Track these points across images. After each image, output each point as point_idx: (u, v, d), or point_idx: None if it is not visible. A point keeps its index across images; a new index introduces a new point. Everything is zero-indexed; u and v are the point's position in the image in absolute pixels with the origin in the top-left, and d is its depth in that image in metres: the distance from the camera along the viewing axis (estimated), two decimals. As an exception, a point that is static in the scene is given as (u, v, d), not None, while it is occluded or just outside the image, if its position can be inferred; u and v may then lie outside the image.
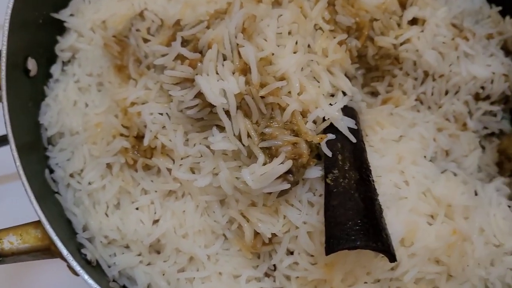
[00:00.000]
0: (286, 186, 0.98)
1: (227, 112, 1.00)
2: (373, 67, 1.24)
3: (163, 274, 1.11)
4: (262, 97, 1.00)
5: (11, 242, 1.04)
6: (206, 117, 1.06)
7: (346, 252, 0.96)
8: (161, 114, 1.10)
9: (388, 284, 1.04)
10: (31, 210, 1.07)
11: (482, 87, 1.26)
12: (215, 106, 1.00)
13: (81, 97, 1.26)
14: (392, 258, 0.93)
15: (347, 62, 1.12)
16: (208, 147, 1.06)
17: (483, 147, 1.30)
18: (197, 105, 1.04)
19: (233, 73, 1.00)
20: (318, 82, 1.07)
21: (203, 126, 1.09)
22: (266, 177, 0.97)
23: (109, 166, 1.16)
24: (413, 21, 1.24)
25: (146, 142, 1.10)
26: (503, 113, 1.33)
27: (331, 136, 1.02)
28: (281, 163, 0.97)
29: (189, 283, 1.09)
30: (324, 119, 1.03)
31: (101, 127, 1.18)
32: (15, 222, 1.11)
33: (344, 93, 1.09)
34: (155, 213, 1.13)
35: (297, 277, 1.05)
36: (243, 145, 1.01)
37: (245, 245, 1.05)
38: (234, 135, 1.01)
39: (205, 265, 1.07)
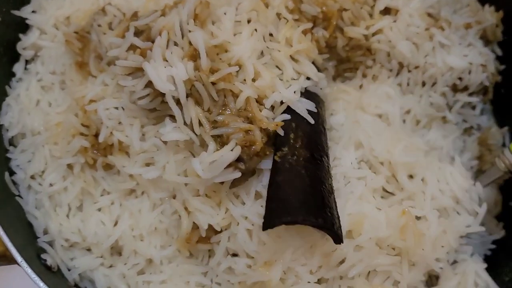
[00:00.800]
0: (237, 174, 0.94)
1: (178, 101, 0.97)
2: (345, 59, 1.20)
3: (124, 277, 1.08)
4: (213, 83, 0.96)
5: (-37, 249, 1.00)
6: (158, 107, 1.02)
7: (285, 247, 0.94)
8: (117, 108, 1.06)
9: (339, 283, 1.00)
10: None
11: (460, 78, 1.22)
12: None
13: (44, 96, 1.23)
14: (336, 238, 0.88)
15: (313, 52, 1.09)
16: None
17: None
18: (148, 94, 1.01)
19: (182, 59, 0.96)
20: (280, 69, 1.04)
21: (158, 117, 1.05)
22: (216, 166, 0.94)
23: (70, 166, 1.13)
24: (386, 11, 1.21)
25: (101, 138, 1.06)
26: (483, 104, 1.30)
27: (285, 116, 0.99)
28: (231, 150, 0.93)
29: (147, 285, 1.06)
30: (282, 103, 1.00)
31: (62, 126, 1.15)
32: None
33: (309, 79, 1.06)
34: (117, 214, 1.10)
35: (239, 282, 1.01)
36: (195, 134, 0.97)
37: (180, 239, 1.01)
38: (186, 124, 0.98)
39: (162, 268, 1.05)
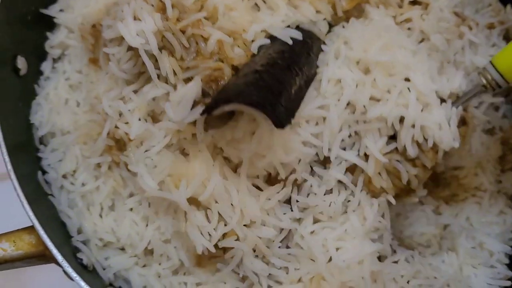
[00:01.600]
0: (200, 108, 0.94)
1: (153, 56, 1.00)
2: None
3: (159, 276, 1.10)
4: (183, 31, 0.99)
5: (4, 249, 1.04)
6: (143, 68, 1.06)
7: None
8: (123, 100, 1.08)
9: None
10: (23, 214, 1.05)
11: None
12: None
13: (72, 95, 1.24)
14: (276, 121, 0.85)
15: (320, 4, 1.10)
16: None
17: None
18: (131, 58, 1.04)
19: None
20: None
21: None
22: (183, 105, 0.96)
23: (99, 166, 1.15)
24: (415, 2, 1.21)
25: (104, 133, 1.09)
26: (506, 105, 1.31)
27: (264, 40, 1.01)
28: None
29: (184, 285, 1.08)
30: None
31: (89, 126, 1.17)
32: (6, 225, 1.09)
33: None
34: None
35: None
36: (172, 85, 1.01)
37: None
38: (160, 78, 1.02)
39: (194, 269, 1.07)
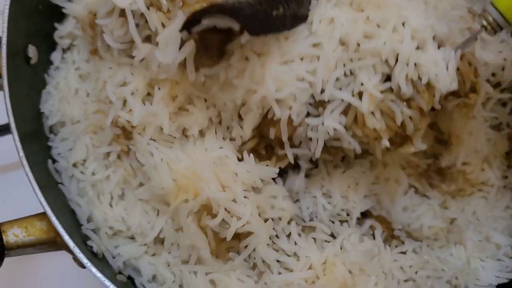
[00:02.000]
0: (191, 43, 0.95)
1: (143, 16, 1.02)
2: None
3: (168, 265, 1.11)
4: None
5: (16, 235, 1.04)
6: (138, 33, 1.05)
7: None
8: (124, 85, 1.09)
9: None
10: (34, 201, 1.07)
11: (493, 74, 1.24)
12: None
13: (82, 85, 1.25)
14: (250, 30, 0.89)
15: None
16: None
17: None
18: (122, 25, 1.06)
19: None
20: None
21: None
22: (171, 45, 0.97)
23: (108, 155, 1.17)
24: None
25: (108, 122, 1.10)
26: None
27: None
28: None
29: (194, 274, 1.08)
30: None
31: (98, 115, 1.18)
32: (17, 213, 1.10)
33: None
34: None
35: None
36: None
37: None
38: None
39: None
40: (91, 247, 1.11)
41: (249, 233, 1.03)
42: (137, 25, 1.06)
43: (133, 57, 1.08)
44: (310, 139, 1.04)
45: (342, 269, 1.02)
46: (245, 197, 1.03)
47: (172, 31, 0.97)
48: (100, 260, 1.11)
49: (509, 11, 1.01)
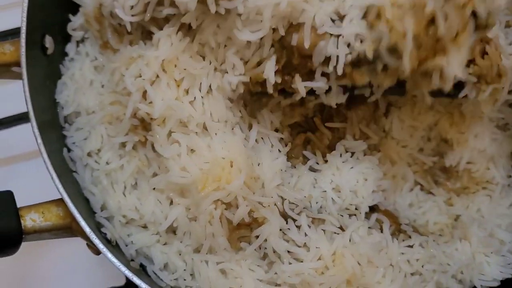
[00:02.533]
0: None
1: None
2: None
3: (180, 254, 1.14)
4: None
5: (33, 220, 1.07)
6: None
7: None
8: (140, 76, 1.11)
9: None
10: (49, 189, 1.10)
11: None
12: None
13: (97, 76, 1.27)
14: None
15: None
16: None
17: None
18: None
19: None
20: None
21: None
22: None
23: (124, 145, 1.18)
24: None
25: (127, 114, 1.11)
26: None
27: None
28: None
29: (205, 263, 1.11)
30: None
31: (115, 106, 1.20)
32: (33, 200, 1.13)
33: None
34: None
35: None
36: None
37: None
38: None
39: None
40: (105, 234, 1.14)
41: (261, 222, 1.06)
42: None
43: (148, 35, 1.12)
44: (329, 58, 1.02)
45: (351, 260, 1.05)
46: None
47: None
48: (113, 247, 1.13)
49: None
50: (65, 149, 1.22)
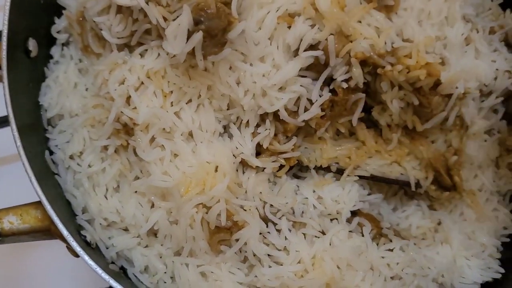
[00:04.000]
0: (199, 34, 1.02)
1: (144, 13, 1.08)
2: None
3: (160, 257, 1.14)
4: None
5: (11, 222, 1.07)
6: (133, 27, 1.13)
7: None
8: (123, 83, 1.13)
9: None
10: (31, 192, 1.09)
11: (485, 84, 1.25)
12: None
13: (81, 79, 1.28)
14: None
15: None
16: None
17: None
18: (120, 22, 1.12)
19: None
20: None
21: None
22: (179, 36, 1.03)
23: (106, 148, 1.19)
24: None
25: (110, 119, 1.12)
26: (504, 108, 1.33)
27: None
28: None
29: (185, 266, 1.11)
30: None
31: (97, 110, 1.21)
32: (14, 203, 1.13)
33: None
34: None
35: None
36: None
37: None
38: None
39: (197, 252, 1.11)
40: (85, 236, 1.14)
41: (241, 226, 1.07)
42: (136, 20, 1.13)
43: (129, 48, 1.15)
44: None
45: (331, 264, 1.06)
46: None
47: (180, 24, 1.03)
48: (93, 250, 1.14)
49: None
50: (47, 152, 1.23)
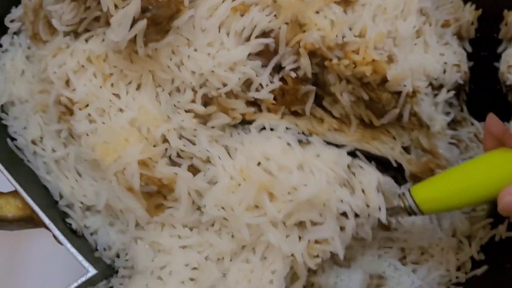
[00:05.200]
0: (143, 22, 1.04)
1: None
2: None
3: (122, 233, 1.21)
4: None
5: (-7, 211, 1.14)
6: (83, 15, 1.15)
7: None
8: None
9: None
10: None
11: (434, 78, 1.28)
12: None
13: (29, 66, 1.29)
14: None
15: None
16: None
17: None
18: (73, 9, 1.13)
19: None
20: None
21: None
22: (123, 23, 1.06)
23: (60, 132, 1.23)
24: None
25: (50, 101, 1.16)
26: (457, 101, 1.38)
27: None
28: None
29: (134, 241, 1.17)
30: None
31: (44, 94, 1.23)
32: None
33: None
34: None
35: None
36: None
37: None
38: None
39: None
40: (70, 224, 1.22)
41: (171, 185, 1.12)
42: (88, 8, 1.13)
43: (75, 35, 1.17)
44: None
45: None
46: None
47: (127, 12, 1.05)
48: (80, 237, 1.22)
49: (422, 203, 1.06)
50: (8, 139, 1.27)
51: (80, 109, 1.15)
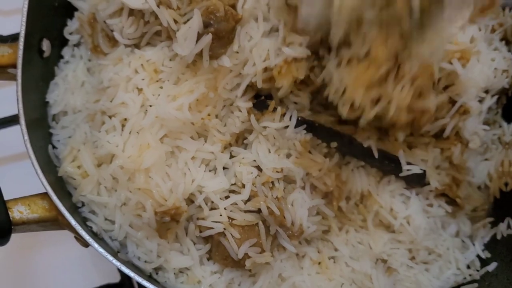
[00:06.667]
0: (208, 37, 1.10)
1: (155, 15, 1.15)
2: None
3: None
4: None
5: (21, 212, 1.12)
6: (144, 29, 1.20)
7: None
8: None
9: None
10: (38, 188, 1.15)
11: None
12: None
13: (89, 78, 1.35)
14: None
15: None
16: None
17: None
18: (133, 23, 1.19)
19: None
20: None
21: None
22: (189, 39, 1.10)
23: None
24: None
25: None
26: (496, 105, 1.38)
27: None
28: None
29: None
30: None
31: (97, 103, 1.26)
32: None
33: None
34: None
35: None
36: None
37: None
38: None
39: None
40: (91, 227, 1.19)
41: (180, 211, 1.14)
42: (147, 22, 1.21)
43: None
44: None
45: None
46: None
47: (191, 27, 1.11)
48: (100, 240, 1.19)
49: None
50: (50, 146, 1.29)
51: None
